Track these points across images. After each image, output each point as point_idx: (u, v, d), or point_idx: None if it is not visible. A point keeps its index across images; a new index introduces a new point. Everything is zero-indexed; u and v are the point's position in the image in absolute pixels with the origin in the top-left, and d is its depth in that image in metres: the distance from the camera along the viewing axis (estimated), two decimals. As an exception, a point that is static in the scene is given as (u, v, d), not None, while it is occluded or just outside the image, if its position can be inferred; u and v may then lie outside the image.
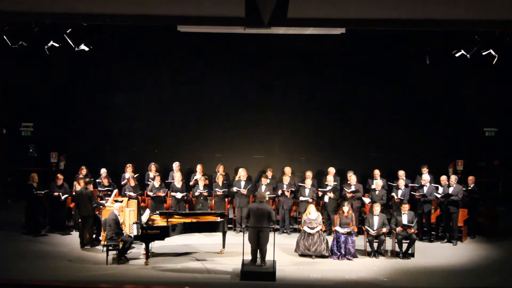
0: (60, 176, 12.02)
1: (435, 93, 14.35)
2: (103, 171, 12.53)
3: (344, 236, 10.55)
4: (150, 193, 12.19)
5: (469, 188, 12.00)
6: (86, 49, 12.66)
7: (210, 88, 14.48)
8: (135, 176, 12.35)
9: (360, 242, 11.08)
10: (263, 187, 12.15)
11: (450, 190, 11.66)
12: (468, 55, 12.12)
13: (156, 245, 10.58)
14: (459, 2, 7.95)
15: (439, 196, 11.73)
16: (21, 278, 9.07)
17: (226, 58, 14.26)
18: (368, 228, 10.77)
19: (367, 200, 12.08)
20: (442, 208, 11.98)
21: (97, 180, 12.43)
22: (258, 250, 9.77)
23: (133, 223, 10.40)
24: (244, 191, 12.17)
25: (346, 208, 10.83)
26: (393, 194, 12.01)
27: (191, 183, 12.82)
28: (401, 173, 12.43)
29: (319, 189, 12.26)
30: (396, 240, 10.79)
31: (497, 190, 14.55)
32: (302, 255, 10.66)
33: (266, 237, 9.73)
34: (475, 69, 13.53)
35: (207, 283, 9.31)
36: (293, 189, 12.28)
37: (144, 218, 10.49)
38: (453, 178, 11.84)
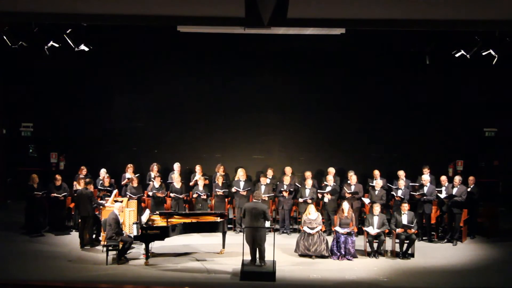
0: (58, 177, 12.00)
1: (435, 93, 14.36)
2: (103, 171, 12.51)
3: (344, 236, 10.55)
4: (150, 193, 12.19)
5: (469, 188, 11.96)
6: (86, 49, 12.64)
7: (210, 88, 14.47)
8: (136, 176, 12.34)
9: (360, 242, 11.07)
10: (263, 187, 12.15)
11: (454, 191, 11.65)
12: (468, 55, 12.11)
13: (156, 245, 10.57)
14: (459, 2, 7.94)
15: (442, 196, 11.71)
16: (21, 278, 9.08)
17: (226, 58, 14.27)
18: (368, 229, 10.76)
19: (367, 200, 12.07)
20: (443, 209, 11.95)
21: (100, 182, 12.40)
22: (257, 250, 9.77)
23: (133, 223, 10.40)
24: (244, 192, 12.16)
25: (346, 207, 10.83)
26: (393, 193, 12.01)
27: (191, 184, 12.82)
28: (401, 173, 12.44)
29: (319, 191, 12.24)
30: (396, 241, 10.79)
31: (497, 190, 14.54)
32: (302, 255, 10.66)
33: (262, 235, 9.74)
34: (475, 69, 13.53)
35: (207, 283, 9.31)
36: (291, 189, 12.26)
37: (144, 218, 10.49)
38: (457, 179, 11.79)
